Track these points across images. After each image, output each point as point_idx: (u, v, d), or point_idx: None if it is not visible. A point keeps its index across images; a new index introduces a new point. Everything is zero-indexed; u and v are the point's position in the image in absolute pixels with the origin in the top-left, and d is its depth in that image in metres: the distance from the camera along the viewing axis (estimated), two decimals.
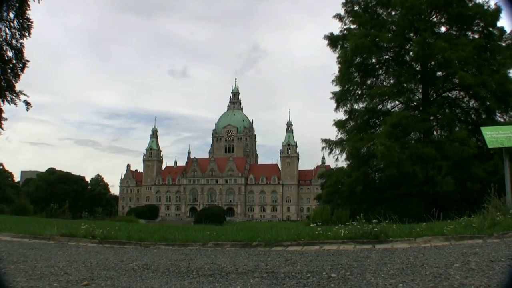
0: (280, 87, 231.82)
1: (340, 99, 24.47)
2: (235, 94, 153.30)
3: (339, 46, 24.69)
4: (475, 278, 3.94)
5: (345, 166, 24.61)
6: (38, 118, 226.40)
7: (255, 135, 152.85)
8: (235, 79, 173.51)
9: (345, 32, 24.72)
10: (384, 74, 24.92)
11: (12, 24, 19.75)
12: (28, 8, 19.80)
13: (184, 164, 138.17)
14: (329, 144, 24.00)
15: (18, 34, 19.94)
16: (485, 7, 21.54)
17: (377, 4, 24.39)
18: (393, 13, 23.92)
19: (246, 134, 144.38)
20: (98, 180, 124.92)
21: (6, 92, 20.15)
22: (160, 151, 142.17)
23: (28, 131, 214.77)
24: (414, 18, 22.13)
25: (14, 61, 20.21)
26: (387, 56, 24.61)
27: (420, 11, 22.10)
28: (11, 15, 19.72)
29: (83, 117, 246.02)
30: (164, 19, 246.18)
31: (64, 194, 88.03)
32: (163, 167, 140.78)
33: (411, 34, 23.11)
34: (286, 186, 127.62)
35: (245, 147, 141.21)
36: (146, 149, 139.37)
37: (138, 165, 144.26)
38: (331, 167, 33.29)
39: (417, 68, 23.63)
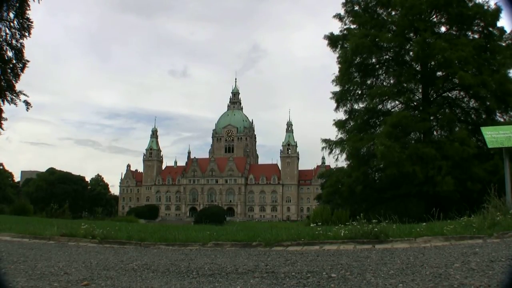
0: (280, 87, 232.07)
1: (340, 99, 24.48)
2: (235, 94, 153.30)
3: (339, 46, 24.69)
4: (475, 278, 3.94)
5: (345, 166, 24.64)
6: (38, 118, 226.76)
7: (255, 135, 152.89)
8: (235, 79, 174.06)
9: (345, 32, 24.73)
10: (384, 74, 24.93)
11: (12, 24, 19.76)
12: (28, 8, 19.80)
13: (184, 164, 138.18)
14: (329, 144, 24.01)
15: (18, 34, 19.94)
16: (485, 7, 21.56)
17: (377, 4, 24.39)
18: (393, 13, 23.92)
19: (246, 134, 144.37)
20: (98, 180, 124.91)
21: (6, 92, 20.14)
22: (160, 151, 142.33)
23: (28, 131, 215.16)
24: (414, 18, 22.13)
25: (14, 61, 20.21)
26: (387, 56, 24.62)
27: (420, 11, 22.10)
28: (11, 15, 19.72)
29: (83, 117, 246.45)
30: (164, 19, 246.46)
31: (64, 194, 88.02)
32: (163, 167, 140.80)
33: (411, 34, 23.11)
34: (286, 186, 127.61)
35: (245, 147, 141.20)
36: (146, 149, 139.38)
37: (138, 165, 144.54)
38: (331, 167, 33.31)
39: (417, 68, 23.63)
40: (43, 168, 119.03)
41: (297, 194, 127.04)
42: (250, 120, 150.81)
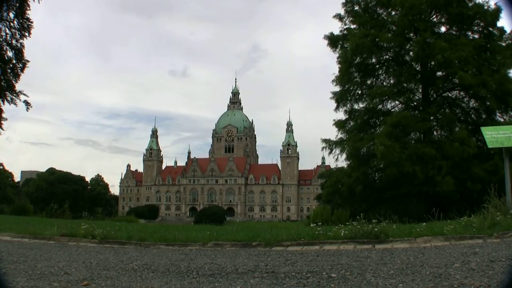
0: (280, 87, 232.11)
1: (340, 99, 24.47)
2: (235, 94, 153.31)
3: (339, 46, 24.69)
4: (475, 278, 3.94)
5: (345, 166, 24.63)
6: (38, 118, 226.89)
7: (255, 135, 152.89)
8: (235, 79, 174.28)
9: (345, 32, 24.72)
10: (384, 74, 24.93)
11: (12, 24, 19.74)
12: (28, 8, 19.79)
13: (184, 164, 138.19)
14: (329, 144, 24.00)
15: (18, 34, 19.92)
16: (485, 7, 21.55)
17: (377, 4, 24.38)
18: (393, 13, 23.92)
19: (246, 134, 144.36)
20: (98, 180, 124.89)
21: (6, 92, 20.13)
22: (160, 151, 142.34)
23: (28, 131, 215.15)
24: (414, 18, 22.13)
25: (14, 61, 20.19)
26: (387, 56, 24.61)
27: (420, 11, 22.10)
28: (11, 15, 19.71)
29: (83, 117, 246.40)
30: (165, 19, 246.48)
31: (64, 194, 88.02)
32: (163, 167, 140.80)
33: (411, 34, 23.10)
34: (286, 186, 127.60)
35: (245, 147, 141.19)
36: (146, 149, 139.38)
37: (138, 165, 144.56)
38: (331, 167, 33.30)
39: (417, 68, 23.63)
40: (43, 168, 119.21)
41: (297, 194, 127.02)
42: (250, 120, 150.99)
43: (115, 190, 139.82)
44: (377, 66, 24.89)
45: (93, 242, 8.58)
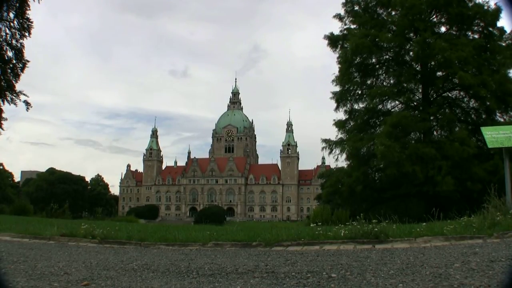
0: (280, 87, 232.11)
1: (340, 99, 24.49)
2: (235, 94, 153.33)
3: (339, 46, 24.72)
4: (475, 278, 3.94)
5: (345, 166, 24.65)
6: (38, 118, 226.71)
7: (255, 135, 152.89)
8: (235, 79, 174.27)
9: (345, 32, 24.74)
10: (384, 74, 24.95)
11: (12, 24, 19.75)
12: (28, 8, 19.80)
13: (184, 164, 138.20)
14: (329, 144, 24.01)
15: (18, 34, 19.93)
16: (485, 7, 21.57)
17: (377, 4, 24.40)
18: (393, 13, 23.93)
19: (246, 134, 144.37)
20: (98, 180, 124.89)
21: (6, 92, 20.14)
22: (160, 151, 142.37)
23: (29, 131, 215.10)
24: (414, 18, 22.14)
25: (14, 61, 20.20)
26: (387, 56, 24.62)
27: (420, 11, 22.11)
28: (11, 15, 19.72)
29: (83, 117, 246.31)
30: (165, 19, 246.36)
31: (64, 194, 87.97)
32: (163, 167, 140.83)
33: (411, 34, 23.12)
34: (286, 186, 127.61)
35: (245, 147, 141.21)
36: (146, 149, 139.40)
37: (138, 165, 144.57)
38: (331, 167, 33.32)
39: (417, 68, 23.64)
40: (43, 168, 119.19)
41: (297, 194, 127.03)
42: (250, 120, 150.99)
43: (115, 190, 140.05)
44: (377, 66, 24.91)
45: (93, 242, 8.58)
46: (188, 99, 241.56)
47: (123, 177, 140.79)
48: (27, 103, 20.89)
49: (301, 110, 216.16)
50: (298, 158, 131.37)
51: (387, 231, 7.38)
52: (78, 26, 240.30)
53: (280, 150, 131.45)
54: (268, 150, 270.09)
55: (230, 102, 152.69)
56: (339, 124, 24.37)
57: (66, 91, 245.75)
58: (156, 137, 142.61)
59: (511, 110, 21.37)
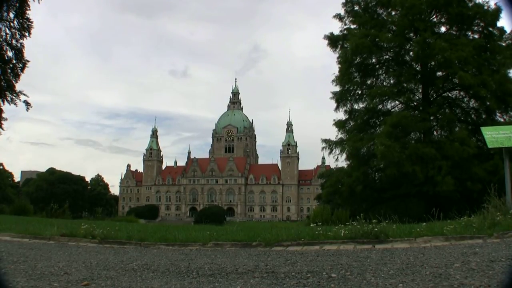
0: (280, 87, 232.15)
1: (340, 99, 24.49)
2: (235, 94, 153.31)
3: (339, 46, 24.72)
4: (475, 278, 3.94)
5: (345, 166, 24.65)
6: (38, 118, 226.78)
7: (255, 135, 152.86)
8: (235, 79, 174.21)
9: (345, 32, 24.74)
10: (384, 74, 24.95)
11: (12, 24, 19.74)
12: (28, 8, 19.78)
13: (184, 164, 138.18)
14: (329, 144, 24.01)
15: (18, 34, 19.91)
16: (485, 7, 21.58)
17: (377, 4, 24.40)
18: (393, 13, 23.93)
19: (246, 134, 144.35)
20: (98, 180, 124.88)
21: (6, 92, 20.13)
22: (160, 151, 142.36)
23: (29, 131, 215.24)
24: (414, 18, 22.14)
25: (14, 61, 20.19)
26: (387, 56, 24.62)
27: (420, 11, 22.11)
28: (11, 15, 19.70)
29: (83, 117, 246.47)
30: (165, 19, 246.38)
31: (64, 194, 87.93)
32: (163, 167, 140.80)
33: (411, 34, 23.12)
34: (286, 186, 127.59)
35: (245, 147, 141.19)
36: (146, 149, 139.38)
37: (138, 165, 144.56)
38: (331, 167, 33.33)
39: (417, 68, 23.64)
40: (43, 168, 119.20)
41: (297, 194, 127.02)
42: (250, 120, 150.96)
43: (115, 190, 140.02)
44: (377, 66, 24.91)
45: (93, 242, 8.57)
46: (188, 99, 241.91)
47: (123, 177, 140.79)
48: (27, 103, 20.89)
49: (301, 110, 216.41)
50: (298, 158, 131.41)
51: (387, 231, 7.37)
52: (78, 26, 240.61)
53: (280, 150, 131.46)
54: (268, 150, 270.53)
55: (230, 102, 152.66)
56: (339, 124, 24.38)
57: (66, 91, 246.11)
58: (156, 137, 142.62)
59: (511, 110, 21.38)
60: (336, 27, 35.44)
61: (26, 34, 20.00)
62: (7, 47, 20.01)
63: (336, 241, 7.21)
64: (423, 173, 19.26)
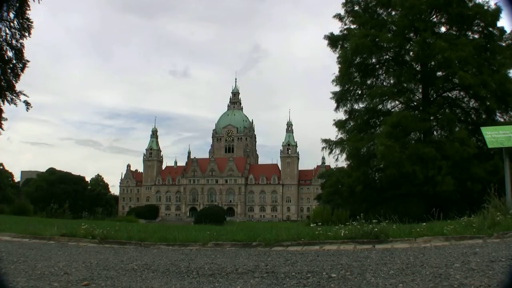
0: (280, 87, 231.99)
1: (340, 99, 24.50)
2: (235, 94, 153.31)
3: (339, 46, 24.72)
4: (475, 278, 3.94)
5: (345, 166, 24.67)
6: (38, 118, 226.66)
7: (255, 135, 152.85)
8: (235, 79, 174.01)
9: (345, 32, 24.76)
10: (384, 74, 24.95)
11: (12, 24, 19.72)
12: (28, 8, 19.76)
13: (184, 164, 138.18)
14: (329, 144, 24.03)
15: (18, 34, 19.89)
16: (485, 7, 21.60)
17: (377, 4, 24.40)
18: (393, 13, 23.94)
19: (246, 134, 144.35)
20: (98, 180, 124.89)
21: (6, 92, 20.12)
22: (160, 151, 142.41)
23: (29, 131, 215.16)
24: (414, 18, 22.15)
25: (14, 61, 20.18)
26: (387, 56, 24.63)
27: (420, 11, 22.12)
28: (11, 15, 19.70)
29: (83, 117, 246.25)
30: (166, 20, 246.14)
31: (64, 194, 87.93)
32: (163, 167, 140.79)
33: (411, 34, 23.13)
34: (286, 186, 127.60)
35: (245, 147, 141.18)
36: (146, 149, 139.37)
37: (138, 165, 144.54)
38: (331, 167, 33.33)
39: (417, 68, 23.65)
40: (43, 168, 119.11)
41: (297, 194, 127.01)
42: (250, 120, 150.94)
43: (115, 190, 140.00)
44: (377, 66, 24.92)
45: (93, 242, 8.57)
46: (189, 99, 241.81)
47: (123, 177, 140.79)
48: (27, 103, 20.86)
49: (301, 110, 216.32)
50: (298, 158, 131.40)
51: (387, 231, 7.37)
52: (79, 26, 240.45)
53: (280, 150, 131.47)
54: (268, 150, 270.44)
55: (230, 102, 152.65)
56: (339, 124, 24.39)
57: (66, 91, 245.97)
58: (156, 137, 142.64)
59: (511, 110, 21.40)
60: (336, 27, 35.45)
61: (26, 34, 19.98)
62: (7, 47, 20.00)
63: (336, 241, 7.20)
64: (423, 173, 19.27)
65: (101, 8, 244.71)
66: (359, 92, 24.56)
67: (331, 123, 24.67)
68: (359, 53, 23.23)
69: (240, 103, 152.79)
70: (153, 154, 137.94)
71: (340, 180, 23.49)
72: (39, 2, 19.67)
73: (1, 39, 19.79)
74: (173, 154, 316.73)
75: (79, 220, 20.74)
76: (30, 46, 54.28)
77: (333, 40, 24.77)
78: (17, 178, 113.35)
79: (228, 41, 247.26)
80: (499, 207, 8.05)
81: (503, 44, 22.02)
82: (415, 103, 23.64)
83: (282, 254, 6.38)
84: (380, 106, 24.14)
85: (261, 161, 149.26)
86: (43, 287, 4.33)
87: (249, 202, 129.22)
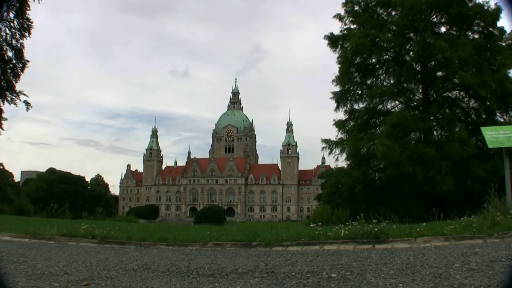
0: (280, 87, 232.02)
1: (340, 99, 24.50)
2: (235, 94, 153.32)
3: (339, 46, 24.71)
4: (475, 278, 3.94)
5: (345, 166, 24.66)
6: (38, 118, 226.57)
7: (255, 135, 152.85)
8: (235, 79, 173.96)
9: (345, 32, 24.75)
10: (384, 74, 24.94)
11: (12, 24, 19.72)
12: (28, 9, 19.76)
13: (184, 164, 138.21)
14: (329, 144, 24.02)
15: (18, 34, 19.90)
16: (485, 7, 21.60)
17: (377, 4, 24.40)
18: (393, 13, 23.94)
19: (246, 134, 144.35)
20: (98, 180, 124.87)
21: (6, 92, 20.12)
22: (160, 151, 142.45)
23: (29, 131, 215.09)
24: (414, 18, 22.15)
25: (14, 61, 20.18)
26: (387, 56, 24.62)
27: (420, 11, 22.12)
28: (11, 15, 19.70)
29: (84, 117, 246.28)
30: (166, 20, 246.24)
31: (64, 194, 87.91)
32: (163, 167, 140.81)
33: (411, 34, 23.13)
34: (286, 186, 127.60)
35: (245, 147, 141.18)
36: (146, 149, 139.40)
37: (138, 165, 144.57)
38: (331, 167, 33.32)
39: (417, 68, 23.65)
40: (43, 168, 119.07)
41: (297, 194, 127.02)
42: (250, 120, 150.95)
43: (115, 190, 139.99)
44: (377, 66, 24.91)
45: (93, 242, 8.57)
46: (189, 99, 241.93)
47: (123, 177, 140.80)
48: (27, 103, 20.86)
49: (301, 110, 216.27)
50: (298, 158, 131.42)
51: (387, 231, 7.37)
52: (79, 26, 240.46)
53: (280, 150, 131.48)
54: (268, 150, 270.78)
55: (230, 102, 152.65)
56: (339, 124, 24.39)
57: (66, 91, 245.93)
58: (156, 137, 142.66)
59: (511, 110, 21.40)
60: (336, 27, 35.47)
61: (26, 34, 19.99)
62: (7, 47, 20.00)
63: (336, 241, 7.20)
64: (423, 173, 19.27)
65: (102, 8, 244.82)
66: (359, 92, 24.56)
67: (331, 123, 24.69)
68: (359, 53, 23.22)
69: (240, 103, 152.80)
70: (153, 154, 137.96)
71: (340, 180, 23.48)
72: (39, 2, 19.69)
73: (1, 39, 19.79)
74: (173, 154, 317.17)
75: (79, 220, 20.73)
76: (30, 46, 54.29)
77: (333, 40, 24.77)
78: (17, 178, 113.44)
79: (228, 41, 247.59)
80: (499, 207, 8.05)
81: (503, 44, 22.02)
82: (415, 103, 23.64)
83: (282, 254, 6.38)
84: (380, 106, 24.14)
85: (261, 161, 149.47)
86: (43, 287, 4.33)
87: (249, 202, 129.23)
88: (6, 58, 20.09)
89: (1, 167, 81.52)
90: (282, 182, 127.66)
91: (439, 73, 23.10)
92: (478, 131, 16.87)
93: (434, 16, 23.54)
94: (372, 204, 21.89)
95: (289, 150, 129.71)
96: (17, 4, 19.57)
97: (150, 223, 40.14)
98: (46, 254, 6.84)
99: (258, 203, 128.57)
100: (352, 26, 24.69)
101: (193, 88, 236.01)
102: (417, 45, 21.36)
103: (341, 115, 24.90)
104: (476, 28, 22.78)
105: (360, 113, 24.48)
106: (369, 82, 24.85)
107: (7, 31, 19.73)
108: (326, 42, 24.96)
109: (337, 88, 24.47)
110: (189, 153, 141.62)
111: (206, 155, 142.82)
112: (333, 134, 29.94)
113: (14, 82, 20.26)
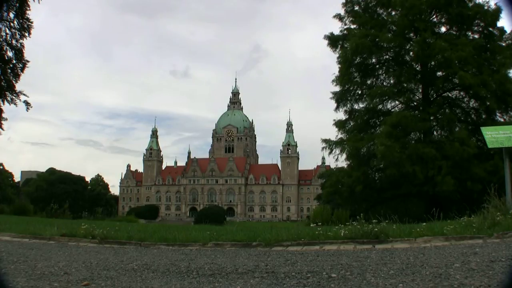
0: (281, 87, 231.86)
1: (340, 99, 24.50)
2: (235, 94, 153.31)
3: (339, 46, 24.72)
4: (475, 278, 3.94)
5: (345, 166, 24.66)
6: (38, 118, 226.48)
7: (255, 135, 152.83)
8: (235, 79, 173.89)
9: (345, 32, 24.75)
10: (384, 74, 24.94)
11: (12, 24, 19.72)
12: (28, 9, 19.76)
13: (184, 164, 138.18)
14: (329, 144, 24.02)
15: (18, 34, 19.90)
16: (485, 7, 21.60)
17: (377, 4, 24.40)
18: (393, 13, 23.94)
19: (246, 134, 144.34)
20: (98, 180, 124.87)
21: (6, 92, 20.12)
22: (160, 151, 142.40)
23: (29, 131, 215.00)
24: (414, 18, 22.15)
25: (14, 61, 20.18)
26: (387, 56, 24.62)
27: (420, 11, 22.12)
28: (11, 15, 19.70)
29: (84, 117, 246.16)
30: (166, 20, 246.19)
31: (64, 194, 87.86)
32: (163, 167, 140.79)
33: (411, 34, 23.13)
34: (286, 186, 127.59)
35: (245, 147, 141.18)
36: (146, 149, 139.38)
37: (138, 165, 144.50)
38: (331, 167, 33.32)
39: (417, 68, 23.65)
40: (43, 168, 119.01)
41: (297, 194, 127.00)
42: (250, 120, 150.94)
43: (115, 190, 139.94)
44: (377, 66, 24.91)
45: (93, 242, 8.57)
46: (189, 99, 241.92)
47: (123, 177, 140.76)
48: (27, 103, 20.85)
49: (301, 110, 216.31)
50: (298, 158, 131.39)
51: (387, 231, 7.37)
52: (79, 26, 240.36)
53: (280, 150, 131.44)
54: (268, 150, 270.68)
55: (230, 102, 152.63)
56: (339, 124, 24.39)
57: (66, 91, 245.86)
58: (156, 137, 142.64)
59: (511, 110, 21.39)
60: (336, 27, 35.45)
61: (26, 34, 19.98)
62: (7, 47, 20.00)
63: (336, 241, 7.20)
64: (423, 173, 19.27)
65: (101, 8, 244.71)
66: (359, 92, 24.56)
67: (331, 123, 24.70)
68: (359, 53, 23.22)
69: (240, 103, 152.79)
70: (153, 154, 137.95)
71: (340, 180, 23.48)
72: (39, 2, 19.69)
73: (1, 39, 19.79)
74: (173, 154, 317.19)
75: (79, 220, 20.73)
76: (30, 46, 54.30)
77: (333, 40, 24.77)
78: (17, 178, 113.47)
79: (228, 41, 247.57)
80: (499, 207, 8.05)
81: (503, 44, 22.02)
82: (415, 103, 23.64)
83: (282, 254, 6.38)
84: (380, 106, 24.14)
85: (261, 161, 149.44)
86: (43, 287, 4.33)
87: (249, 202, 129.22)
88: (6, 58, 20.09)
89: (1, 167, 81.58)
90: (282, 182, 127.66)
91: (439, 73, 23.10)
92: (478, 131, 16.87)
93: (434, 16, 23.55)
94: (372, 204, 21.89)
95: (289, 150, 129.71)
96: (17, 4, 19.57)
97: (150, 223, 40.14)
98: (46, 254, 6.84)
99: (258, 203, 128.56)
100: (352, 26, 24.71)
101: (193, 88, 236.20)
102: (417, 45, 21.36)
103: (341, 115, 24.94)
104: (476, 28, 22.79)
105: (360, 113, 24.49)
106: (369, 82, 24.86)
107: (7, 31, 19.74)
108: (326, 42, 24.99)
109: (337, 88, 24.51)
110: (189, 153, 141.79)
111: (206, 155, 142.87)
112: (333, 134, 29.96)
113: (14, 82, 20.27)
